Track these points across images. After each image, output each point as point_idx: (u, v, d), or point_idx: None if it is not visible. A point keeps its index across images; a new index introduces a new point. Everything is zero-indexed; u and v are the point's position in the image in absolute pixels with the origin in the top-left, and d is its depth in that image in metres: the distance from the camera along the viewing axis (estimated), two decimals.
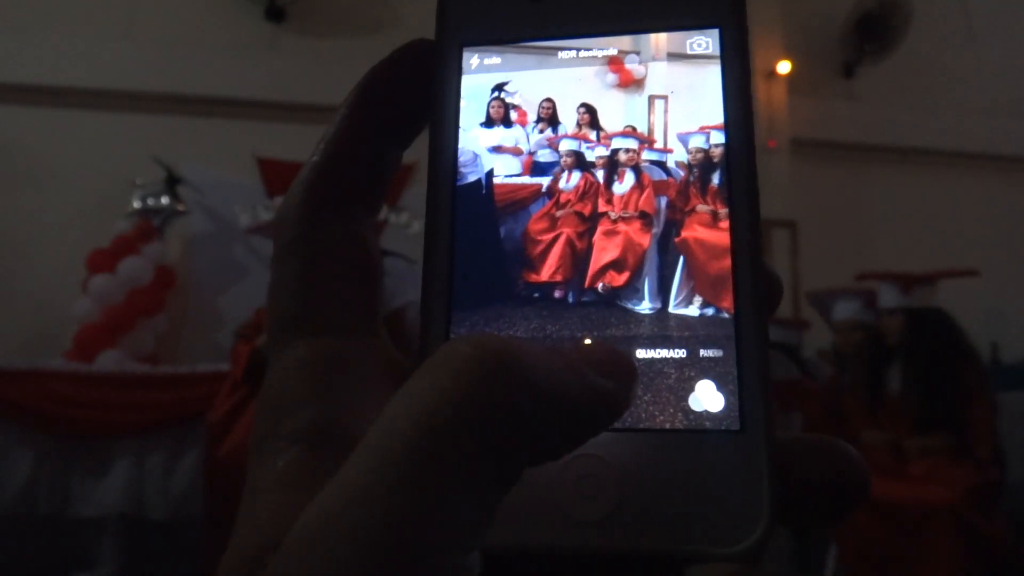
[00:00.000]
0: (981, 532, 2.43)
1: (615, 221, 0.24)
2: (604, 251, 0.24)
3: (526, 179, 0.25)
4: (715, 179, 0.24)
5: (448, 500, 0.16)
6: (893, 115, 5.31)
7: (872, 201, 5.34)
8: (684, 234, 0.24)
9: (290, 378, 0.22)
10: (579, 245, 0.24)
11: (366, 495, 0.16)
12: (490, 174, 0.25)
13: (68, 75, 4.36)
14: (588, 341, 0.23)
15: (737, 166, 0.23)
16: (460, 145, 0.25)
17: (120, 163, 4.27)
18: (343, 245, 0.24)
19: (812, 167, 5.10)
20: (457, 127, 0.25)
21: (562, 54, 0.26)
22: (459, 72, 0.26)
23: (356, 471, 0.16)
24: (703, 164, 0.24)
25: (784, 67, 4.98)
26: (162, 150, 4.19)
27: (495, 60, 0.26)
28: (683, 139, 0.24)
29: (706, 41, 0.25)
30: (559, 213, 0.25)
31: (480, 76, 0.26)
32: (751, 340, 0.22)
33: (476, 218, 0.25)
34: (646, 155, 0.25)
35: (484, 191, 0.25)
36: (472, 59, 0.26)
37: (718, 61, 0.24)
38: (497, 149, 0.26)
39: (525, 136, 0.26)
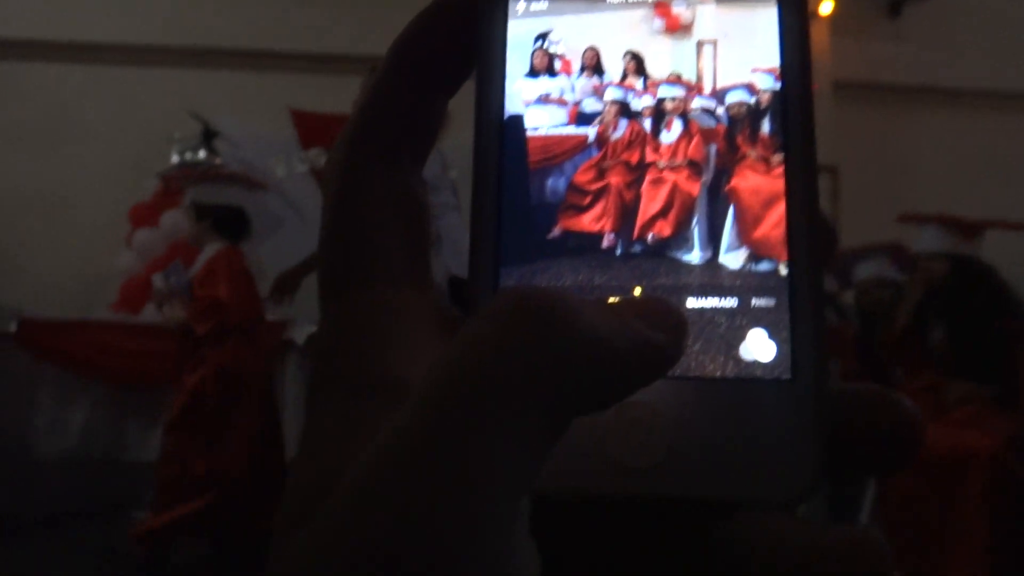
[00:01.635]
0: (1021, 480, 2.41)
1: (663, 170, 0.24)
2: (652, 201, 0.24)
3: (572, 129, 0.25)
4: (766, 126, 0.23)
5: (497, 448, 0.16)
6: (940, 56, 5.11)
7: (917, 145, 5.18)
8: (735, 182, 0.23)
9: (342, 329, 0.23)
10: (627, 195, 0.24)
11: (415, 444, 0.16)
12: (535, 126, 0.25)
13: (102, 31, 4.38)
14: (638, 292, 0.23)
15: (794, 112, 0.23)
16: (506, 97, 0.25)
17: (157, 118, 4.31)
18: (392, 194, 0.24)
19: (855, 110, 4.95)
20: (504, 77, 0.25)
21: None
22: (505, 18, 0.25)
23: (405, 421, 0.17)
24: (751, 113, 0.23)
25: (827, 7, 4.80)
26: (197, 104, 4.21)
27: (542, 5, 0.25)
28: (722, 94, 0.24)
29: None
30: (606, 163, 0.25)
31: (526, 21, 0.26)
32: (805, 289, 0.22)
33: (522, 170, 0.25)
34: (695, 102, 0.24)
35: (530, 143, 0.25)
36: (519, 4, 0.25)
37: (772, 2, 0.24)
38: (542, 99, 0.25)
39: (570, 86, 0.25)
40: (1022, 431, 2.49)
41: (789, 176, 0.22)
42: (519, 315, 0.17)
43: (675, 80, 0.24)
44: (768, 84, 0.23)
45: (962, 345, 2.61)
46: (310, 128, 4.34)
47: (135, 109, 4.39)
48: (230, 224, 3.18)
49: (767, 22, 0.24)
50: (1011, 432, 2.47)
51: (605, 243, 0.24)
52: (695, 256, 0.23)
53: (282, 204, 4.50)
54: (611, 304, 0.19)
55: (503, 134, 0.25)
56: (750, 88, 0.24)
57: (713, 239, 0.23)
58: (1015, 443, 2.46)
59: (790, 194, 0.22)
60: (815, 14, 4.76)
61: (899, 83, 5.03)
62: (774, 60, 0.23)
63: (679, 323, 0.20)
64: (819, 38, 4.87)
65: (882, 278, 2.95)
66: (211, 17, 4.43)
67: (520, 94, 0.25)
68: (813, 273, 0.22)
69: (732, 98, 0.24)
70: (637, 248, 0.24)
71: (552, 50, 0.26)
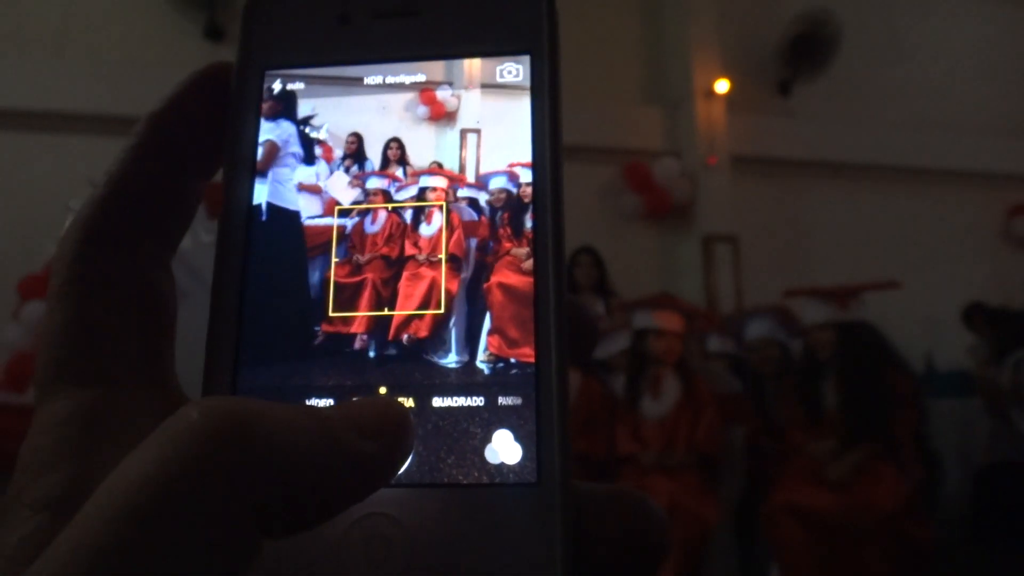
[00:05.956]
0: (915, 539, 2.48)
1: (422, 264, 0.23)
2: (410, 299, 0.22)
3: (329, 220, 0.23)
4: (526, 221, 0.22)
5: (174, 571, 0.15)
6: (827, 131, 5.46)
7: (809, 214, 5.46)
8: (494, 279, 0.22)
9: (47, 436, 0.20)
10: (384, 292, 0.22)
11: (70, 570, 0.14)
12: (290, 215, 0.23)
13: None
14: (383, 391, 0.21)
15: (542, 206, 0.22)
16: (259, 183, 0.23)
17: (52, 186, 4.14)
18: (126, 287, 0.22)
19: (751, 183, 5.20)
20: (254, 161, 0.23)
21: (368, 79, 0.24)
22: (259, 99, 0.24)
23: (65, 541, 0.15)
24: (512, 204, 0.22)
25: (722, 86, 5.08)
26: (97, 173, 4.07)
27: (299, 86, 0.24)
28: (485, 179, 0.23)
29: (517, 69, 0.23)
30: (364, 257, 0.23)
31: (282, 104, 0.24)
32: (550, 387, 0.21)
33: (273, 263, 0.23)
34: (457, 193, 0.23)
35: (283, 234, 0.23)
36: (275, 84, 0.24)
37: (528, 92, 0.23)
38: (299, 188, 0.24)
39: (329, 173, 0.24)
40: (914, 492, 2.57)
41: (537, 272, 0.21)
42: (195, 431, 0.16)
43: (437, 170, 0.23)
44: (527, 178, 0.22)
45: (852, 407, 2.68)
46: (218, 197, 4.24)
47: (29, 176, 4.21)
48: None
49: (526, 111, 0.23)
50: (904, 493, 2.54)
51: (358, 344, 0.22)
52: (451, 359, 0.22)
53: (187, 275, 4.36)
54: (317, 412, 0.17)
55: (251, 223, 0.23)
56: (511, 177, 0.23)
57: (471, 340, 0.22)
58: (910, 506, 2.53)
59: (538, 290, 0.21)
60: (712, 92, 5.03)
61: (791, 157, 5.32)
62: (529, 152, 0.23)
63: (399, 429, 0.18)
64: (716, 115, 5.12)
65: (770, 338, 3.05)
66: (112, 83, 4.33)
67: (275, 181, 0.24)
68: (560, 370, 0.21)
69: (494, 184, 0.23)
70: (392, 350, 0.22)
71: (313, 136, 0.24)
